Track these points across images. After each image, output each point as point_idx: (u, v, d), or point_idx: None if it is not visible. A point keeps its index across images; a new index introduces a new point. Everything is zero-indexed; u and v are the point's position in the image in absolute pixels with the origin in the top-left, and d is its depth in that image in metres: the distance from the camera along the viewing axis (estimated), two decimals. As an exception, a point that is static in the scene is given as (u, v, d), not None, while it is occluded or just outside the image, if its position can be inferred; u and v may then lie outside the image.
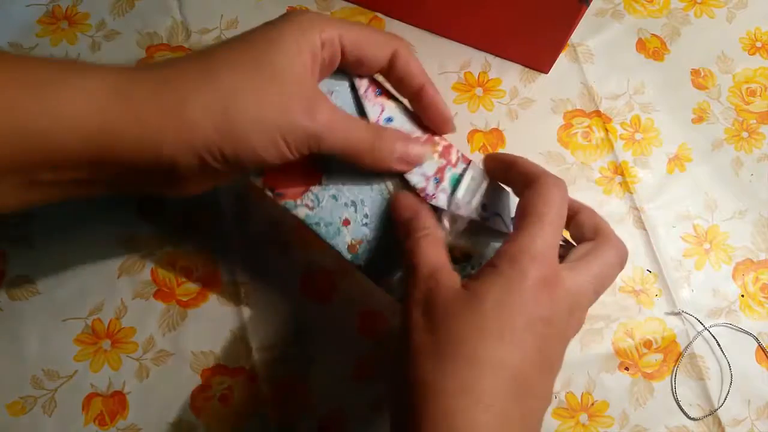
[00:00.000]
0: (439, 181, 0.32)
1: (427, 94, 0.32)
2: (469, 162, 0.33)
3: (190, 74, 0.27)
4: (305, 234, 0.41)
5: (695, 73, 0.48)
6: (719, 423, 0.39)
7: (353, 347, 0.39)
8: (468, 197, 0.32)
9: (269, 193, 0.32)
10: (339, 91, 0.32)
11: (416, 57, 0.32)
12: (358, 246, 0.32)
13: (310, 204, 0.32)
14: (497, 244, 0.32)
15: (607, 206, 0.44)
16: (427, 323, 0.27)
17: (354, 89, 0.32)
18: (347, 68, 0.31)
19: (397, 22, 0.47)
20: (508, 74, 0.46)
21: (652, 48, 0.48)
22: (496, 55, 0.47)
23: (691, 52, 0.48)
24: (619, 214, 0.44)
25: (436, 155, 0.32)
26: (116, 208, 0.41)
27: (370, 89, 0.32)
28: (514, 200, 0.33)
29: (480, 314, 0.26)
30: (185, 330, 0.39)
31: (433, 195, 0.32)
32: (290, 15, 0.29)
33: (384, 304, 0.40)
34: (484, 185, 0.33)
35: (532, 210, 0.28)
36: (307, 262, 0.41)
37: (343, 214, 0.32)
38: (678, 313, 0.41)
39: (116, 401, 0.38)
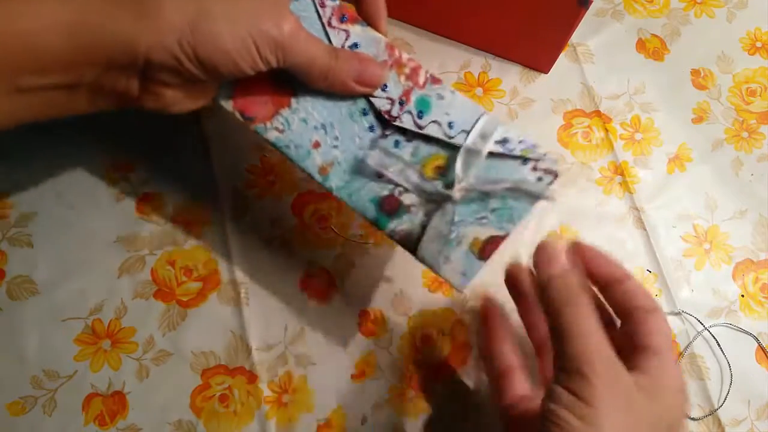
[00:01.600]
0: (404, 103, 0.32)
1: None
2: (438, 81, 0.32)
3: None
4: (305, 234, 0.41)
5: (695, 73, 0.48)
6: (719, 423, 0.39)
7: (353, 347, 0.39)
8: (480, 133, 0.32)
9: (239, 117, 0.32)
10: (305, 17, 0.32)
11: None
12: (329, 168, 0.32)
13: (280, 127, 0.32)
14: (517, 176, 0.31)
15: (607, 206, 0.44)
16: (631, 419, 0.27)
17: (320, 16, 0.32)
18: None
19: (397, 21, 0.47)
20: (508, 74, 0.46)
21: (652, 48, 0.48)
22: (496, 55, 0.47)
23: (691, 52, 0.48)
24: (619, 214, 0.44)
25: (402, 77, 0.32)
26: (116, 209, 0.41)
27: (334, 16, 0.32)
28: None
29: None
30: (185, 330, 0.39)
31: (397, 116, 0.32)
32: None
33: (384, 304, 0.40)
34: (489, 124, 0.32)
35: (663, 343, 0.30)
36: (307, 262, 0.41)
37: (313, 137, 0.32)
38: (678, 313, 0.41)
39: (116, 401, 0.38)
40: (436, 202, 0.32)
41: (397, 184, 0.32)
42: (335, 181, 0.32)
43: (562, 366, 0.27)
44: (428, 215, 0.32)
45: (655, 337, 0.30)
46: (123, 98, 0.30)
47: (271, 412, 0.38)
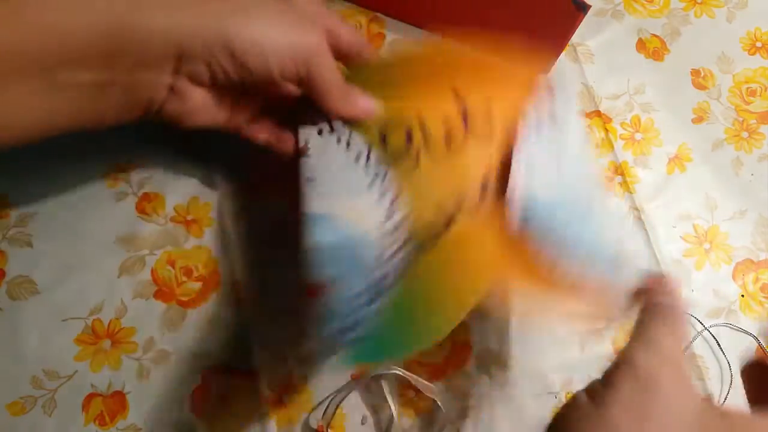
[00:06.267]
0: None
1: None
2: None
3: None
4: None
5: (695, 73, 0.48)
6: (719, 423, 0.39)
7: (353, 347, 0.39)
8: None
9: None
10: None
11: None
12: None
13: None
14: None
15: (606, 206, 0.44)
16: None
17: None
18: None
19: (396, 21, 0.47)
20: (508, 74, 0.46)
21: (652, 48, 0.48)
22: (496, 55, 0.47)
23: (691, 52, 0.48)
24: (619, 214, 0.44)
25: None
26: (116, 209, 0.41)
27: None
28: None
29: None
30: (185, 330, 0.39)
31: None
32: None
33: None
34: None
35: None
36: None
37: None
38: (678, 313, 0.41)
39: (116, 401, 0.38)
40: None
41: None
42: None
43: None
44: None
45: None
46: (149, 102, 0.31)
47: (271, 413, 0.38)
